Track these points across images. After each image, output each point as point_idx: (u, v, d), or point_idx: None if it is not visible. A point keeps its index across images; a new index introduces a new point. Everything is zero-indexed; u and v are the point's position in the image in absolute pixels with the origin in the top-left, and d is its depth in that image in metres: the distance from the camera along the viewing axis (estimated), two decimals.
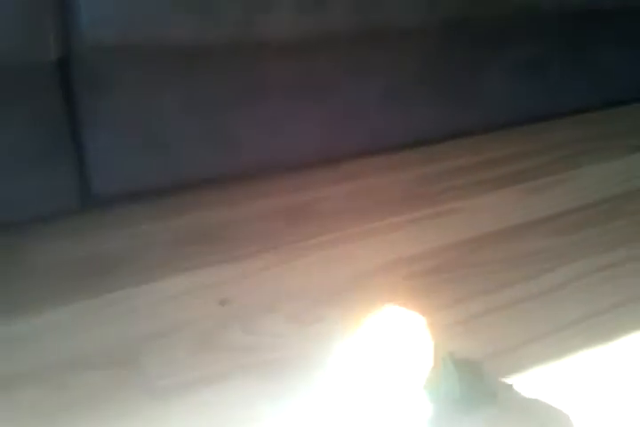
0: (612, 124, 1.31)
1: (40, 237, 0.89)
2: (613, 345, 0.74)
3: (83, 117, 0.85)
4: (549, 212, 1.01)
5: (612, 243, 0.93)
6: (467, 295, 0.82)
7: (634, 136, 1.26)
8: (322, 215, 0.99)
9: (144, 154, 0.89)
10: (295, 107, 0.99)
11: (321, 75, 0.99)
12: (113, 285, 0.81)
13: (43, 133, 0.82)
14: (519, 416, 0.65)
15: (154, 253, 0.87)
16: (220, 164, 0.96)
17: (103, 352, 0.72)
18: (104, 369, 0.69)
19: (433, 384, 0.66)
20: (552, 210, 1.01)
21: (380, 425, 0.63)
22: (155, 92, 0.87)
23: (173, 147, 0.90)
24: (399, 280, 0.85)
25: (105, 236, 0.89)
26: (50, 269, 0.83)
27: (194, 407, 0.65)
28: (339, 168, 1.11)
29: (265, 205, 0.99)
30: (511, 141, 1.22)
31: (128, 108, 0.86)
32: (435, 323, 0.76)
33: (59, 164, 0.84)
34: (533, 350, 0.73)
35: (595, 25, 1.22)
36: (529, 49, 1.20)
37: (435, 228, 0.96)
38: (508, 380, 0.69)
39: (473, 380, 0.65)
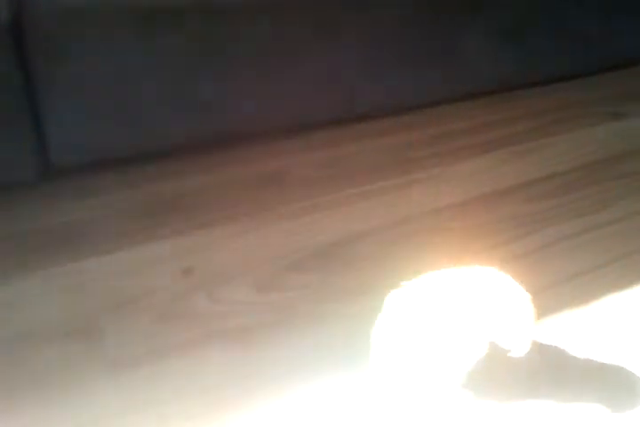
0: (590, 91, 1.29)
1: None
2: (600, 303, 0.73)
3: (39, 86, 0.82)
4: (527, 178, 0.99)
5: (587, 208, 0.91)
6: (448, 259, 0.80)
7: (611, 104, 1.24)
8: (295, 183, 0.97)
9: (104, 123, 0.86)
10: (265, 72, 0.96)
11: (291, 39, 0.96)
12: (72, 256, 0.78)
13: None
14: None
15: (116, 224, 0.84)
16: (187, 131, 0.94)
17: (61, 324, 0.69)
18: (62, 341, 0.67)
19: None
20: (529, 176, 1.00)
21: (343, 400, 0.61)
22: (114, 57, 0.84)
23: (135, 114, 0.88)
24: (372, 248, 0.82)
25: (64, 207, 0.87)
26: (4, 241, 0.81)
27: (156, 376, 0.63)
28: (314, 135, 1.09)
29: (236, 173, 0.97)
30: (490, 109, 1.21)
31: (86, 75, 0.84)
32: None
33: (15, 134, 0.82)
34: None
35: None
36: (505, 15, 1.18)
37: (412, 195, 0.94)
38: None
39: None
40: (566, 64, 1.30)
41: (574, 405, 0.60)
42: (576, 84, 1.31)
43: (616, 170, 1.01)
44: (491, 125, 1.16)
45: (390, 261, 0.80)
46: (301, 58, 0.99)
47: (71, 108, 0.84)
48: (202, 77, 0.91)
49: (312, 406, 0.60)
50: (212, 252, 0.80)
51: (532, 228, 0.87)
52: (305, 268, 0.78)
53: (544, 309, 0.70)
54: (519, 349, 0.57)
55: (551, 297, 0.73)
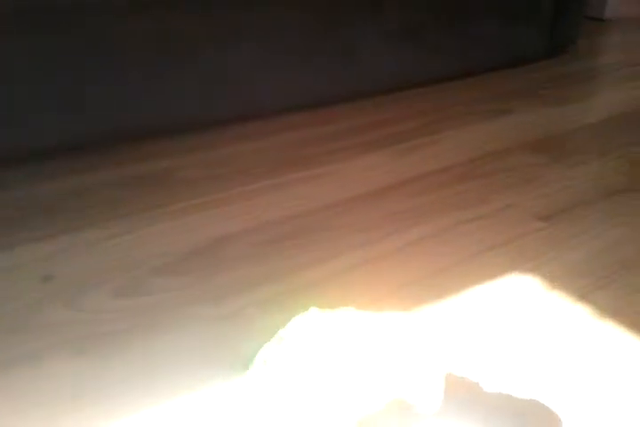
0: (478, 90, 1.32)
1: None
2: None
3: None
4: (412, 174, 1.00)
5: (466, 202, 0.92)
6: (331, 254, 0.80)
7: (493, 102, 1.28)
8: (179, 183, 0.95)
9: None
10: (152, 71, 0.94)
11: (185, 38, 0.94)
12: None
13: None
14: None
15: None
16: (68, 129, 0.90)
17: None
18: None
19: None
20: (414, 172, 1.01)
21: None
22: None
23: (11, 113, 0.84)
24: (251, 247, 0.81)
25: None
26: None
27: (5, 389, 0.60)
28: (205, 135, 1.08)
29: (118, 174, 0.94)
30: (383, 108, 1.24)
31: None
32: (294, 283, 0.74)
33: None
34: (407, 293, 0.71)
35: None
36: (405, 16, 1.19)
37: (300, 192, 0.94)
38: None
39: None
40: (462, 64, 1.32)
41: None
42: (465, 83, 1.34)
43: (500, 164, 1.04)
44: (381, 124, 1.18)
45: (265, 261, 0.79)
46: (197, 57, 0.97)
47: None
48: (88, 77, 0.88)
49: (168, 416, 0.58)
50: (76, 258, 0.78)
51: (408, 223, 0.87)
52: (172, 271, 0.76)
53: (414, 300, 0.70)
54: (427, 405, 0.52)
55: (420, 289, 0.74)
